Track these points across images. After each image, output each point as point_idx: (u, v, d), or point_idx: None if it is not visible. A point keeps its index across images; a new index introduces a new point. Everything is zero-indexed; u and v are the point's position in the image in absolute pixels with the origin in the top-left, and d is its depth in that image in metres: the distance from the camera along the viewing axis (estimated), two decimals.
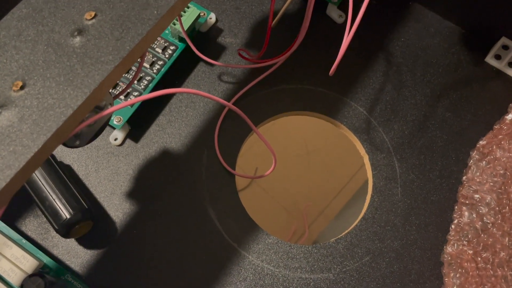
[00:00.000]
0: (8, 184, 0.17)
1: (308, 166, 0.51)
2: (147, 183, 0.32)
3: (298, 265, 0.30)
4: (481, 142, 0.34)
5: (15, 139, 0.18)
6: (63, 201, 0.28)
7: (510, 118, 0.34)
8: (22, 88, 0.19)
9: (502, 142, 0.33)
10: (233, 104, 0.34)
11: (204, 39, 0.36)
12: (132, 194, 0.32)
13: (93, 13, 0.20)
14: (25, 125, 0.18)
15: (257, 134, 0.28)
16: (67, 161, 0.32)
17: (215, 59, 0.35)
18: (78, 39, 0.20)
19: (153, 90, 0.33)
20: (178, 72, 0.34)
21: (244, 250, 0.31)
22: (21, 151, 0.18)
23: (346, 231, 0.32)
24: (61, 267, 0.28)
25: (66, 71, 0.19)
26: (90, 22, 0.20)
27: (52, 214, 0.28)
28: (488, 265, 0.30)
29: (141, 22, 0.20)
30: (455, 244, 0.30)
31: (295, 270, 0.30)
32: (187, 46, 0.34)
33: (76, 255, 0.30)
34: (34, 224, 0.30)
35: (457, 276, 0.29)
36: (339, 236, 0.32)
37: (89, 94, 0.19)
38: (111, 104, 0.23)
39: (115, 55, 0.19)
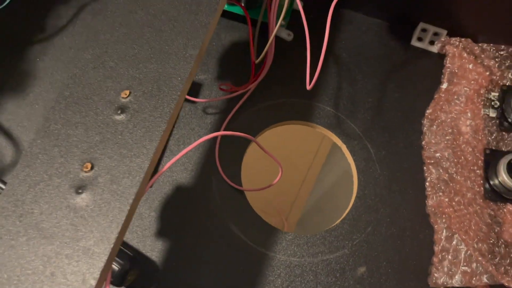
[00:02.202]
0: (113, 247, 0.21)
1: (300, 166, 0.56)
2: (171, 220, 0.36)
3: (318, 250, 0.36)
4: (427, 111, 0.41)
5: (106, 211, 0.21)
6: None
7: (444, 87, 0.41)
8: (92, 168, 0.22)
9: (444, 107, 0.41)
10: (223, 130, 0.39)
11: None
12: (161, 233, 0.35)
13: (127, 92, 0.24)
14: (108, 197, 0.22)
15: (262, 149, 0.33)
16: None
17: (196, 96, 0.40)
18: (123, 116, 0.24)
19: None
20: None
21: (271, 252, 0.35)
22: (113, 219, 0.21)
23: (347, 211, 0.38)
24: None
25: (123, 144, 0.23)
26: (127, 99, 0.24)
27: None
28: (462, 206, 0.37)
29: (170, 89, 0.24)
30: (434, 197, 0.37)
31: (317, 255, 0.36)
32: None
33: None
34: None
35: (443, 221, 0.36)
36: (343, 217, 0.37)
37: (151, 158, 0.22)
38: None
39: (160, 122, 0.23)
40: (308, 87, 0.33)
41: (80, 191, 0.22)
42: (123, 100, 0.24)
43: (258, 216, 0.37)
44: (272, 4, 0.34)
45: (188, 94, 0.38)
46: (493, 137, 0.41)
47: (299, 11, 0.44)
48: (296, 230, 0.64)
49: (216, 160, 0.38)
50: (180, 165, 0.37)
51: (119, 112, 0.24)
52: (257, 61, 0.33)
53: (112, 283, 0.31)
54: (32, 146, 0.23)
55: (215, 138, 0.38)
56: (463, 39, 0.43)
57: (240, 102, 0.39)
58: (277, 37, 0.43)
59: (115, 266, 0.31)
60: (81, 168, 0.22)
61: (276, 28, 0.31)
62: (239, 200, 0.37)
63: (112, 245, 0.21)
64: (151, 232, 0.35)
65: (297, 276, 0.35)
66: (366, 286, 0.35)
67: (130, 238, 0.35)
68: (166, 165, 0.24)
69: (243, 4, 0.41)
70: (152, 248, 0.35)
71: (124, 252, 0.31)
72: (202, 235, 0.35)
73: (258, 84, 0.40)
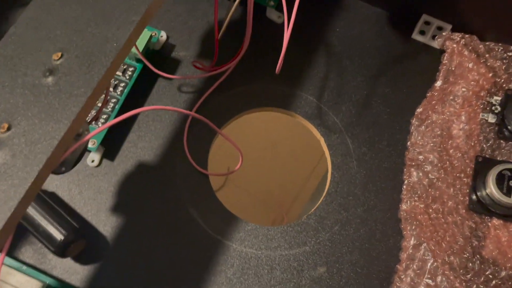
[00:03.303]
0: (12, 214, 0.20)
1: (274, 156, 0.54)
2: (129, 196, 0.35)
3: (278, 244, 0.34)
4: (418, 110, 0.38)
5: (11, 174, 0.20)
6: (55, 224, 0.30)
7: (439, 85, 0.38)
8: (8, 129, 0.21)
9: (436, 107, 0.38)
10: (196, 111, 0.37)
11: (159, 56, 0.39)
12: (117, 208, 0.34)
13: (59, 54, 0.23)
14: (18, 161, 0.21)
15: (221, 135, 0.31)
16: (50, 188, 0.34)
17: (172, 73, 0.38)
18: (50, 78, 0.22)
19: (120, 111, 0.36)
20: (140, 91, 0.37)
21: (227, 240, 0.34)
22: (19, 183, 0.20)
23: (315, 207, 0.36)
24: (64, 284, 0.31)
25: (45, 108, 0.22)
26: (58, 62, 0.23)
27: (47, 238, 0.30)
28: (439, 215, 0.34)
29: (103, 55, 0.23)
30: (408, 201, 0.34)
31: (275, 249, 0.34)
32: (145, 65, 0.36)
33: (75, 272, 0.32)
34: (30, 252, 0.33)
35: (413, 228, 0.33)
36: (310, 213, 0.35)
37: (69, 125, 0.21)
38: (88, 130, 0.25)
39: (87, 88, 0.22)
40: (277, 71, 0.31)
41: None
42: (55, 62, 0.23)
43: (220, 202, 0.35)
44: None
45: (164, 70, 0.37)
46: (488, 144, 0.37)
47: None
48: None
49: (184, 140, 0.36)
50: (145, 141, 0.36)
51: (47, 74, 0.22)
52: (219, 38, 0.32)
53: (54, 252, 0.30)
54: None
55: (186, 117, 0.37)
56: (466, 35, 0.39)
57: (217, 83, 0.37)
58: (267, 19, 0.41)
59: (57, 236, 0.30)
60: None
61: (233, 7, 0.29)
62: (202, 185, 0.35)
63: (10, 212, 0.20)
64: (107, 206, 0.34)
65: (251, 268, 0.33)
66: (323, 287, 0.33)
67: (85, 210, 0.34)
68: (88, 136, 0.22)
69: None
70: (105, 223, 0.34)
71: (69, 223, 0.31)
72: (158, 215, 0.34)
73: (240, 65, 0.38)
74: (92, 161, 0.35)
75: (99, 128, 0.23)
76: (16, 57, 0.23)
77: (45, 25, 0.24)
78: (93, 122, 0.34)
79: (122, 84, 0.36)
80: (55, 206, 0.31)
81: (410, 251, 0.32)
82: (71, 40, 0.23)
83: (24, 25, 0.24)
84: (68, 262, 0.32)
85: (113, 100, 0.35)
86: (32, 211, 0.31)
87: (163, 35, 0.39)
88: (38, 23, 0.24)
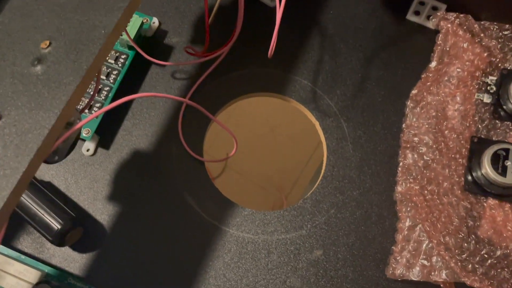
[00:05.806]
0: (5, 204, 0.20)
1: (271, 142, 0.54)
2: (125, 184, 0.35)
3: (274, 229, 0.34)
4: (413, 92, 0.38)
5: (2, 164, 0.20)
6: (52, 214, 0.31)
7: (433, 66, 0.38)
8: None
9: (431, 88, 0.38)
10: (190, 97, 0.37)
11: (152, 43, 0.38)
12: (113, 196, 0.34)
13: (47, 42, 0.23)
14: (9, 151, 0.21)
15: (216, 121, 0.31)
16: (46, 178, 0.34)
17: (165, 59, 0.38)
18: (39, 67, 0.22)
19: (113, 99, 0.35)
20: (133, 78, 0.37)
21: (224, 226, 0.34)
22: (10, 173, 0.20)
23: (311, 191, 0.36)
24: (62, 273, 0.31)
25: (34, 97, 0.22)
26: (46, 50, 0.23)
27: (44, 227, 0.30)
28: (435, 196, 0.34)
29: (92, 42, 0.23)
30: (403, 183, 0.34)
31: (272, 234, 0.34)
32: (137, 53, 0.36)
33: (73, 260, 0.32)
34: (28, 241, 0.33)
35: (409, 209, 0.33)
36: (306, 197, 0.35)
37: (59, 114, 0.21)
38: (79, 119, 0.25)
39: (75, 76, 0.22)
40: (269, 55, 0.30)
41: None
42: (43, 51, 0.23)
43: (216, 189, 0.35)
44: None
45: (157, 57, 0.36)
46: (484, 124, 0.37)
47: None
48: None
49: (178, 127, 0.36)
50: (140, 129, 0.36)
51: (35, 63, 0.22)
52: (210, 22, 0.31)
53: (51, 242, 0.31)
54: None
55: (181, 104, 0.37)
56: (461, 15, 0.39)
57: (210, 69, 0.37)
58: (260, 3, 0.41)
59: (54, 226, 0.30)
60: None
61: None
62: (198, 171, 0.36)
63: (3, 202, 0.20)
64: (103, 195, 0.34)
65: (248, 252, 0.34)
66: (320, 270, 0.33)
67: (81, 199, 0.34)
68: (79, 124, 0.22)
69: None
70: (102, 211, 0.34)
71: (66, 212, 0.31)
72: (155, 203, 0.34)
73: (232, 50, 0.37)
74: (87, 150, 0.35)
75: (90, 116, 0.23)
76: (4, 47, 0.23)
77: (32, 13, 0.24)
78: (86, 111, 0.34)
79: (115, 72, 0.36)
80: (51, 195, 0.32)
81: (406, 232, 0.32)
82: (58, 28, 0.23)
83: (11, 14, 0.24)
84: (66, 250, 0.33)
85: (106, 88, 0.35)
86: (29, 201, 0.31)
87: (155, 21, 0.38)
88: (25, 12, 0.24)
